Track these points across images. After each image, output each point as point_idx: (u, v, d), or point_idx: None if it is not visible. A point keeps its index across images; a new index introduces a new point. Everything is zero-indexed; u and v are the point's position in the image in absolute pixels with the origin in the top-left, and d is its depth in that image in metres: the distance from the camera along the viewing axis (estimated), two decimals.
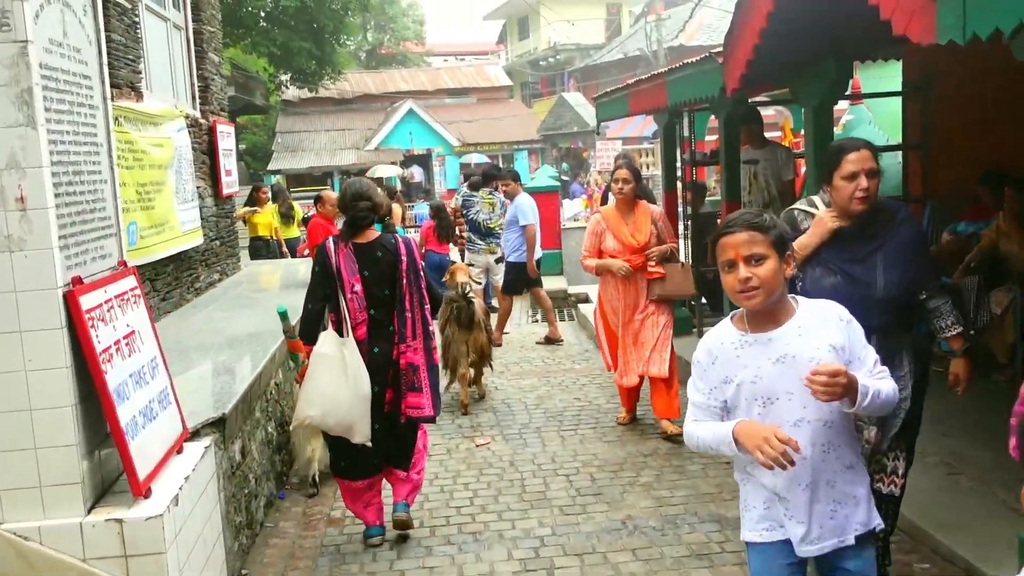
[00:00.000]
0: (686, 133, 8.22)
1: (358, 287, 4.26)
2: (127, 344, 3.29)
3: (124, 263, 3.58)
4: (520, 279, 9.75)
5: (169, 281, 6.87)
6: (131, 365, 3.28)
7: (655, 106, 6.81)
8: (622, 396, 6.56)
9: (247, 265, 10.14)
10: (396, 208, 10.56)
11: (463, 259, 10.67)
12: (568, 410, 7.05)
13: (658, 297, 6.04)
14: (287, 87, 33.57)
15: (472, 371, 7.24)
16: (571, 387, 7.83)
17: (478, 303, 7.19)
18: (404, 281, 4.30)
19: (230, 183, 8.90)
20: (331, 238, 4.42)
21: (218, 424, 3.96)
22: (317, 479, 5.28)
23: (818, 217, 3.43)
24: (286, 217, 13.45)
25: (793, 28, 4.67)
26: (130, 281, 3.50)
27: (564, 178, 27.29)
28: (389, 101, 37.08)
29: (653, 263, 5.99)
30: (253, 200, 12.97)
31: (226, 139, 8.84)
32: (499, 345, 9.89)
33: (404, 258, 4.32)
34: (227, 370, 4.90)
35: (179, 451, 3.59)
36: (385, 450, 4.40)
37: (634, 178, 6.02)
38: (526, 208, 9.47)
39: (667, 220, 6.33)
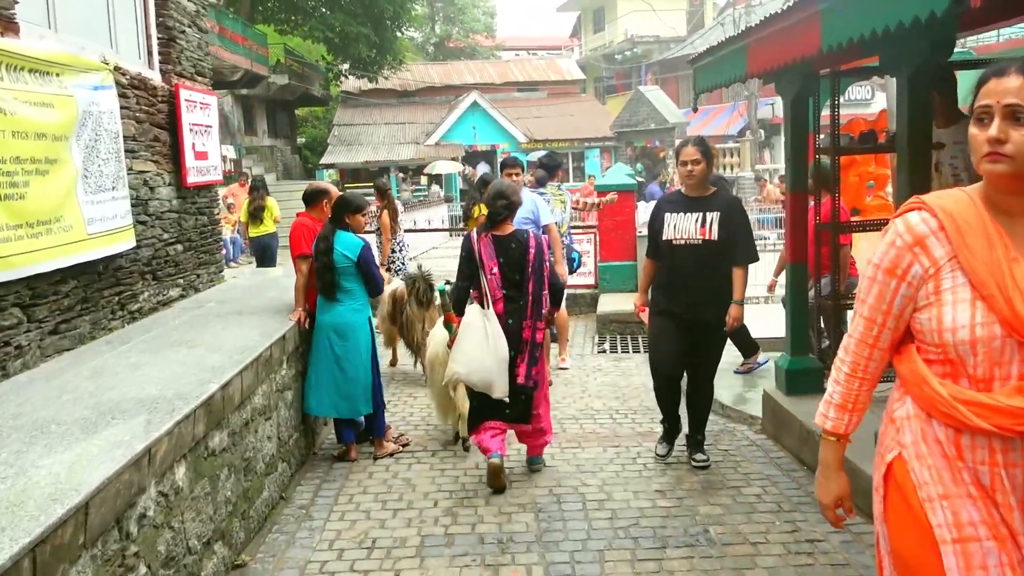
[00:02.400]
0: (823, 108, 5.78)
1: (496, 270, 5.00)
2: None
3: None
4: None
5: (70, 305, 4.72)
6: None
7: (795, 56, 4.39)
8: None
9: (236, 276, 8.00)
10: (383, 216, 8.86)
11: None
12: (648, 515, 4.67)
13: None
14: (346, 76, 31.78)
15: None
16: (652, 469, 5.43)
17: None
18: (530, 269, 5.01)
19: (202, 169, 6.75)
20: (475, 229, 5.18)
21: None
22: (467, 438, 5.61)
23: None
24: (253, 216, 12.33)
25: None
26: None
27: (639, 179, 24.84)
28: (454, 94, 35.10)
29: None
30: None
31: (198, 112, 6.70)
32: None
33: (532, 251, 5.03)
34: (23, 498, 2.66)
35: None
36: (512, 408, 5.11)
37: None
38: (543, 204, 7.57)
39: None
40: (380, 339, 7.30)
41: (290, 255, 5.86)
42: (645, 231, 12.90)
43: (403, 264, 10.15)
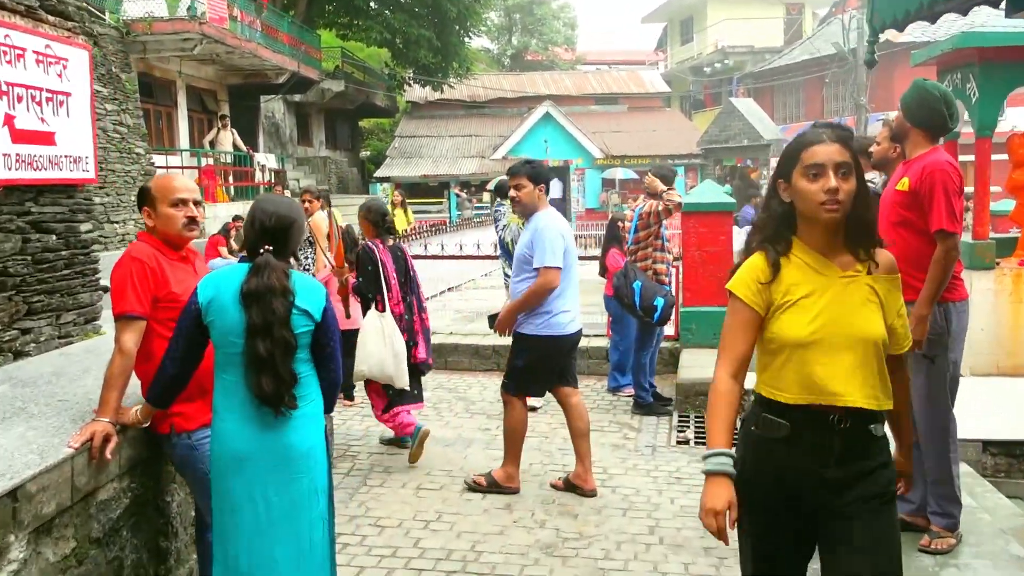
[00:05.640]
0: None
1: (395, 275, 5.68)
2: None
3: None
4: (546, 367, 5.08)
5: None
6: None
7: None
8: None
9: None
10: (319, 219, 7.60)
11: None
12: None
13: None
14: (410, 84, 29.49)
15: None
16: None
17: None
18: (412, 273, 5.88)
19: (37, 159, 4.15)
20: (370, 242, 5.73)
21: None
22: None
23: None
24: None
25: None
26: None
27: None
28: (526, 106, 32.50)
29: None
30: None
31: (32, 68, 4.11)
32: (590, 488, 4.97)
33: (408, 258, 5.92)
34: None
35: None
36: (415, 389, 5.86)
37: None
38: (547, 234, 4.82)
39: None
40: None
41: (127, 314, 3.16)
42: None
43: None
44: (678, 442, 6.41)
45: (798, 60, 29.99)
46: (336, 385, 2.97)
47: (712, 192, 9.40)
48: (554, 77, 37.39)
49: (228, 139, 18.86)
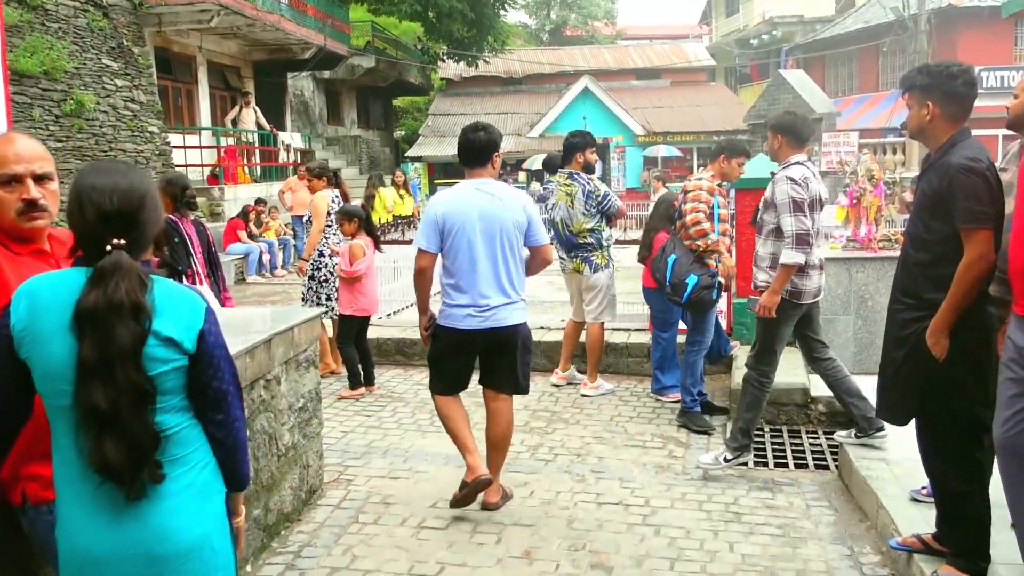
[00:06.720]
0: None
1: (201, 252, 5.37)
2: None
3: None
4: (450, 361, 4.67)
5: None
6: None
7: None
8: None
9: None
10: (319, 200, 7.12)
11: None
12: None
13: None
14: (443, 60, 28.44)
15: None
16: None
17: None
18: (214, 251, 5.55)
19: None
20: (172, 216, 5.16)
21: None
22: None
23: None
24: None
25: None
26: None
27: None
28: (564, 82, 31.30)
29: None
30: None
31: None
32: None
33: (210, 235, 5.56)
34: None
35: None
36: None
37: None
38: (425, 212, 4.69)
39: None
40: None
41: None
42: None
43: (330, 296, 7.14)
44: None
45: (851, 29, 28.38)
46: (237, 448, 1.99)
47: (768, 166, 8.29)
48: (593, 51, 36.06)
49: (251, 117, 18.06)
